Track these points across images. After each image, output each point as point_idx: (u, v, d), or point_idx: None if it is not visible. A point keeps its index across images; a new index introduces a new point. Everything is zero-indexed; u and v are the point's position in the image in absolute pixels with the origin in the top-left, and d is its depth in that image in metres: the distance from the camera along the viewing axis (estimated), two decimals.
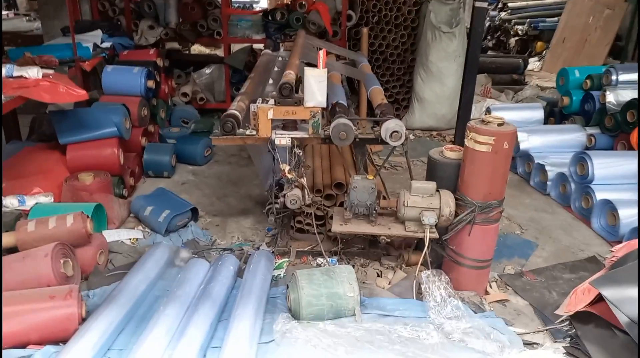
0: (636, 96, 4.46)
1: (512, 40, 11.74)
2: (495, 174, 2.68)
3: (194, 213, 3.87)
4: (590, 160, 4.04)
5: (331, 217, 3.21)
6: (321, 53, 2.73)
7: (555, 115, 5.62)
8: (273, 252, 3.32)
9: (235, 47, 6.85)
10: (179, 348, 2.25)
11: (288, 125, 3.02)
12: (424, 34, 6.09)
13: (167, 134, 5.17)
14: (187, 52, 7.64)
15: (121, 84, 4.55)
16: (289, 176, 2.91)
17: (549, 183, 4.50)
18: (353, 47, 6.36)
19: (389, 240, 3.05)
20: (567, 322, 2.68)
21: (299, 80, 3.18)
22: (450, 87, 6.09)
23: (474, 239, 2.81)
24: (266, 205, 3.29)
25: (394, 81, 6.64)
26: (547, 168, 4.53)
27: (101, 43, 5.01)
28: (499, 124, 2.62)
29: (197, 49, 8.58)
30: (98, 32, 5.10)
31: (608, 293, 2.36)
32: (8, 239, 2.90)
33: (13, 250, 2.88)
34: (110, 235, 3.53)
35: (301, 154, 2.98)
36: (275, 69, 4.18)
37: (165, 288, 2.89)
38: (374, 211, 2.93)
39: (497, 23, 12.56)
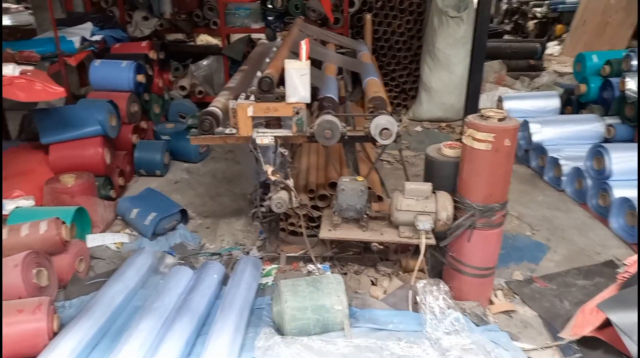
0: None
1: (531, 24, 11.27)
2: (496, 175, 2.40)
3: (184, 215, 3.69)
4: (608, 154, 3.72)
5: None
6: (303, 43, 2.48)
7: (572, 104, 5.23)
8: (262, 258, 3.12)
9: (234, 37, 6.61)
10: None
11: (271, 122, 2.79)
12: (430, 19, 5.80)
13: (161, 131, 4.96)
14: (193, 43, 7.40)
15: (109, 79, 4.36)
16: (273, 177, 2.69)
17: (563, 178, 4.19)
18: (357, 35, 6.06)
19: (381, 247, 2.81)
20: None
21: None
22: (458, 76, 5.80)
23: (475, 245, 2.56)
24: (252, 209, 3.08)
25: (400, 69, 6.32)
26: (561, 161, 4.21)
27: (91, 36, 4.81)
28: (500, 119, 2.33)
29: (204, 39, 8.08)
30: (88, 25, 4.90)
31: (616, 318, 2.09)
32: None
33: None
34: (94, 240, 3.39)
35: (287, 153, 2.75)
36: (267, 60, 3.91)
37: (147, 297, 2.74)
38: (365, 216, 2.70)
39: (514, 5, 12.10)
